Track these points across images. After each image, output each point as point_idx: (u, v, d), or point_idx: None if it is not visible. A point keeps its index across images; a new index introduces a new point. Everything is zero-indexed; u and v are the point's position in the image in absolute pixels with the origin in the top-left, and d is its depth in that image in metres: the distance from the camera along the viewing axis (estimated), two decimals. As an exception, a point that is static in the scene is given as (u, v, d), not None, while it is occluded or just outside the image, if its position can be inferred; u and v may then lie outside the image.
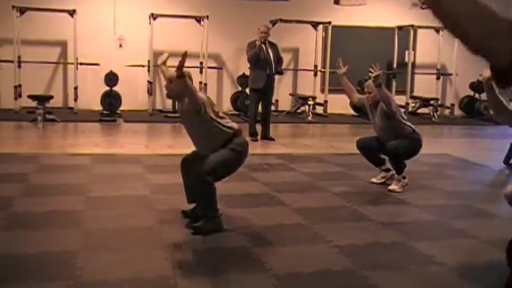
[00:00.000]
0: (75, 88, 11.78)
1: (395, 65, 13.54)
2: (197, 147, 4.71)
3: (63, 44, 12.38)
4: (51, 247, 4.05)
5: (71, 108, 11.95)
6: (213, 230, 4.45)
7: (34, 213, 4.89)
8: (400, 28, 13.54)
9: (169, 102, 12.47)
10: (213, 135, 4.49)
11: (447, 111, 14.13)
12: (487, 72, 3.09)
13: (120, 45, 12.58)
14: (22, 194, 5.47)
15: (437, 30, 13.51)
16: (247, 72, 9.86)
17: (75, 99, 11.79)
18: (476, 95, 14.06)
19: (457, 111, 14.16)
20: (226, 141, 4.48)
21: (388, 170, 6.39)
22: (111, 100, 11.64)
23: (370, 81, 6.01)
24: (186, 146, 4.64)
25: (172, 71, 4.48)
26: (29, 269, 3.67)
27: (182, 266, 3.80)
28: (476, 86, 13.89)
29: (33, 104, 10.41)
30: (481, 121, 13.28)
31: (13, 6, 11.25)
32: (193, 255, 4.09)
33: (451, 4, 1.25)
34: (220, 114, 4.61)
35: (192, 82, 4.48)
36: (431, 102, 13.44)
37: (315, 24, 13.31)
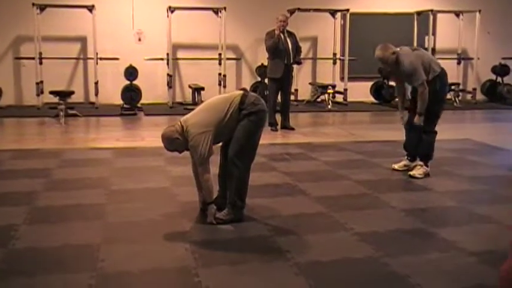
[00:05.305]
0: (96, 83, 11.89)
1: (415, 51, 13.40)
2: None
3: (83, 40, 12.48)
4: (73, 240, 4.11)
5: (92, 103, 12.07)
6: (233, 220, 4.48)
7: (57, 207, 4.96)
8: (419, 13, 13.39)
9: (189, 96, 12.53)
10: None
11: (469, 96, 13.97)
12: None
13: (139, 39, 12.64)
14: (45, 189, 5.55)
15: (457, 14, 13.36)
16: (266, 63, 9.84)
17: (96, 94, 11.90)
18: (499, 79, 13.87)
19: (479, 96, 13.99)
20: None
21: (412, 160, 6.33)
22: (131, 94, 11.74)
23: None
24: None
25: None
26: (53, 261, 3.72)
27: (203, 256, 3.82)
28: (498, 70, 13.69)
29: (55, 99, 10.53)
30: (504, 105, 13.10)
31: (33, 4, 11.38)
32: (214, 245, 4.10)
33: None
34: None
35: None
36: (453, 87, 13.24)
37: (333, 12, 13.23)
